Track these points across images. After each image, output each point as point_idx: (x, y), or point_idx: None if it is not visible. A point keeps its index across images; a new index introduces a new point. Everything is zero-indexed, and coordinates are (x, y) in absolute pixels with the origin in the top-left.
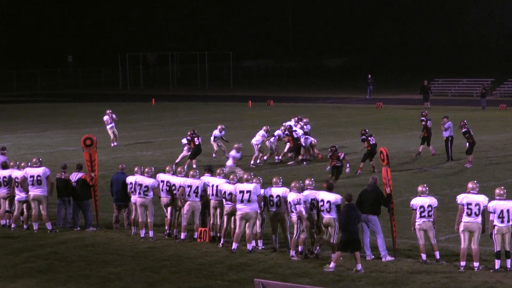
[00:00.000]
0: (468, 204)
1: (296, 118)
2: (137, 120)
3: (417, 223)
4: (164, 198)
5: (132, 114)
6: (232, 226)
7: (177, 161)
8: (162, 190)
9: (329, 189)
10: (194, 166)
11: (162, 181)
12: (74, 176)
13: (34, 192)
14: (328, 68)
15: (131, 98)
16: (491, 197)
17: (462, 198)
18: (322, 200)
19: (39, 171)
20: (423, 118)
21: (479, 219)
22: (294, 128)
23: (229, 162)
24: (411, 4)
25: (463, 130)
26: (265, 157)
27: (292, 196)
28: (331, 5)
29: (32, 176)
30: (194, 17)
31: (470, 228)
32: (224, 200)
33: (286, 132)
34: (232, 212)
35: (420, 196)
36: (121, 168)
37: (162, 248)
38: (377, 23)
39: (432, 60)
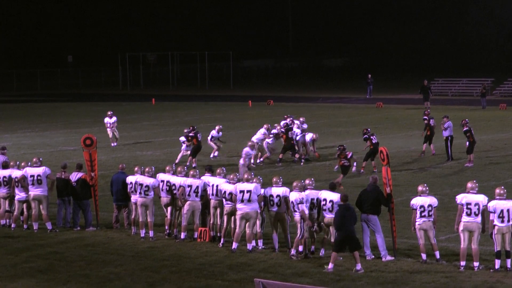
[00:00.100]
0: (468, 204)
1: (289, 120)
2: (137, 120)
3: (417, 223)
4: (164, 198)
5: (132, 114)
6: (232, 226)
7: (176, 161)
8: (162, 190)
9: (332, 188)
10: (194, 165)
11: (162, 181)
12: (74, 176)
13: (34, 192)
14: (328, 68)
15: (131, 98)
16: (491, 197)
17: (461, 198)
18: (325, 199)
19: (39, 170)
20: (425, 117)
21: (479, 218)
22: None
23: (241, 161)
24: (411, 4)
25: (465, 129)
26: (261, 158)
27: (294, 196)
28: (331, 5)
29: (32, 176)
30: (194, 17)
31: (470, 227)
32: (224, 200)
33: (282, 129)
34: (232, 212)
35: (420, 195)
36: (121, 168)
37: (162, 248)
38: (377, 23)
39: (432, 60)
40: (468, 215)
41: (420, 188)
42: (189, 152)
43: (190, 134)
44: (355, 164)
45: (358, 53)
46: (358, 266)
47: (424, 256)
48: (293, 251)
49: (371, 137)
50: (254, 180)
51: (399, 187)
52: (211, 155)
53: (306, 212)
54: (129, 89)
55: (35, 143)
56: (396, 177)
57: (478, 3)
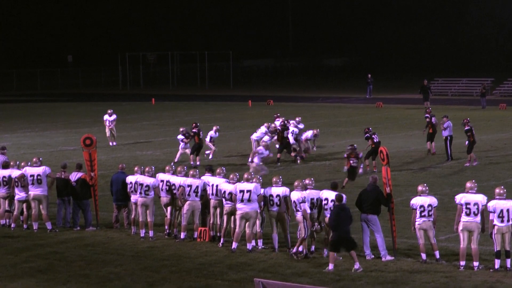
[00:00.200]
0: (467, 203)
1: (280, 120)
2: (137, 119)
3: (417, 223)
4: (164, 198)
5: (132, 113)
6: (232, 225)
7: (176, 159)
8: (162, 189)
9: (334, 187)
10: (198, 163)
11: (162, 181)
12: (74, 176)
13: (34, 191)
14: (328, 68)
15: (131, 97)
16: (491, 197)
17: (460, 198)
18: (326, 199)
19: (39, 170)
20: (427, 115)
21: (478, 218)
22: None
23: (256, 160)
24: (411, 4)
25: (466, 128)
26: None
27: (296, 195)
28: (331, 5)
29: (32, 176)
30: (194, 17)
31: (469, 227)
32: (224, 199)
33: (279, 128)
34: (232, 212)
35: (420, 195)
36: (121, 167)
37: (162, 247)
38: (377, 23)
39: (432, 60)
40: (468, 215)
41: (420, 188)
42: (187, 151)
43: (193, 130)
44: (361, 166)
45: (358, 53)
46: (357, 265)
47: (424, 256)
48: (294, 250)
49: (373, 136)
50: (254, 180)
51: (399, 187)
52: (210, 157)
53: (308, 211)
54: (129, 89)
55: (35, 143)
56: (396, 177)
57: (478, 3)
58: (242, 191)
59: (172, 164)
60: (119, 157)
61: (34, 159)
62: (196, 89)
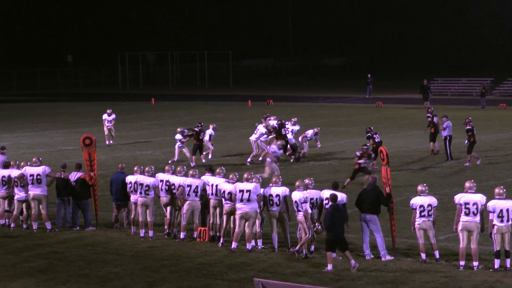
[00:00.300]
0: (466, 203)
1: (272, 118)
2: (136, 119)
3: (416, 223)
4: (164, 198)
5: (132, 113)
6: (232, 225)
7: (175, 158)
8: (162, 189)
9: (335, 187)
10: (204, 161)
11: (162, 181)
12: (74, 176)
13: (33, 191)
14: (328, 68)
15: (131, 97)
16: (491, 197)
17: (459, 198)
18: (327, 199)
19: (38, 170)
20: (429, 114)
21: (478, 218)
22: (287, 127)
23: (269, 159)
24: (411, 4)
25: (468, 127)
26: (249, 159)
27: (298, 195)
28: (331, 5)
29: (32, 175)
30: (194, 17)
31: (469, 227)
32: (223, 199)
33: (275, 126)
34: (232, 212)
35: (419, 195)
36: (120, 167)
37: (161, 247)
38: (377, 23)
39: (432, 60)
40: (467, 214)
41: (419, 187)
42: (184, 150)
43: (195, 129)
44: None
45: (358, 53)
46: (353, 262)
47: (423, 255)
48: (298, 247)
49: (374, 135)
50: (253, 180)
51: (399, 187)
52: (209, 156)
53: (309, 211)
54: (128, 89)
55: (35, 143)
56: (395, 177)
57: (478, 3)
58: (241, 191)
59: (169, 161)
60: (118, 157)
61: (34, 159)
62: (196, 89)
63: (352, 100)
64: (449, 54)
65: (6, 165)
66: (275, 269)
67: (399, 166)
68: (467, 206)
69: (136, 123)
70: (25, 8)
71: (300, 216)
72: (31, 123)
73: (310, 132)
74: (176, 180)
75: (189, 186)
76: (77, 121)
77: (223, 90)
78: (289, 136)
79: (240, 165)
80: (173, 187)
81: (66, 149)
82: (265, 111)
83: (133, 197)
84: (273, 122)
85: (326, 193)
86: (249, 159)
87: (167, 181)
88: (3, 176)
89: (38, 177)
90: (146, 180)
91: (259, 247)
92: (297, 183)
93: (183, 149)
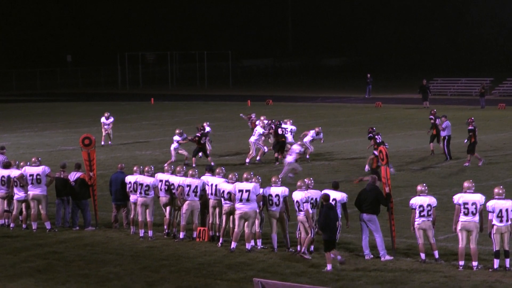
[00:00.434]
0: (465, 203)
1: (258, 118)
2: (136, 119)
3: (416, 223)
4: (163, 198)
5: (131, 113)
6: (231, 225)
7: (172, 159)
8: (161, 189)
9: (335, 187)
10: (210, 159)
11: (161, 181)
12: (73, 176)
13: (33, 191)
14: (327, 68)
15: (130, 97)
16: (490, 197)
17: (458, 198)
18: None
19: (38, 169)
20: (432, 116)
21: (477, 218)
22: (285, 127)
23: (290, 158)
24: (411, 4)
25: (470, 127)
26: (248, 159)
27: (300, 195)
28: (331, 5)
29: (31, 175)
30: (193, 17)
31: (468, 227)
32: (222, 199)
33: (272, 125)
34: (231, 211)
35: (419, 195)
36: (120, 167)
37: (161, 247)
38: (377, 23)
39: (432, 60)
40: (466, 214)
41: (419, 187)
42: (181, 151)
43: (197, 134)
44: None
45: (357, 53)
46: (329, 267)
47: (423, 255)
48: (304, 249)
49: (376, 136)
50: (253, 180)
51: (398, 187)
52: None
53: (310, 211)
54: (128, 89)
55: (34, 143)
56: (395, 177)
57: (478, 3)
58: (241, 191)
59: (169, 161)
60: (118, 157)
61: (33, 159)
62: (196, 89)
63: (352, 100)
64: (449, 54)
65: (7, 166)
66: (275, 269)
67: (398, 166)
68: (466, 206)
69: (136, 123)
70: (25, 8)
71: (301, 216)
72: (31, 123)
73: (311, 133)
74: (176, 180)
75: (189, 186)
76: (77, 121)
77: (222, 90)
78: (289, 136)
79: (240, 165)
80: (172, 187)
81: (66, 149)
82: (264, 111)
83: (132, 197)
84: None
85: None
86: (247, 160)
87: (166, 181)
88: (3, 176)
89: (38, 177)
90: (146, 180)
91: (259, 247)
92: (298, 183)
93: (179, 151)
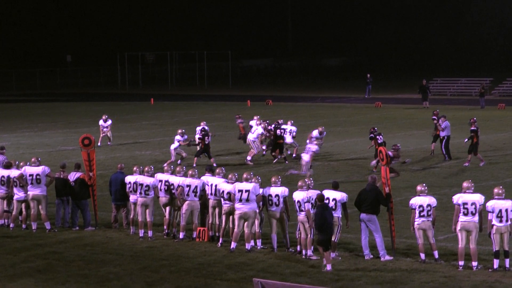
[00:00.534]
0: (464, 203)
1: (258, 121)
2: (136, 119)
3: (416, 223)
4: (163, 198)
5: (131, 113)
6: (231, 225)
7: (172, 159)
8: (161, 189)
9: (335, 187)
10: (214, 163)
11: (161, 181)
12: (73, 176)
13: (33, 191)
14: (327, 68)
15: (130, 97)
16: (490, 197)
17: (457, 198)
18: (328, 198)
19: (38, 170)
20: (434, 117)
21: (476, 218)
22: (285, 127)
23: (307, 158)
24: (411, 4)
25: (472, 128)
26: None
27: (301, 195)
28: (331, 5)
29: (31, 175)
30: (193, 17)
31: (467, 227)
32: (222, 199)
33: (271, 127)
34: (231, 212)
35: (419, 195)
36: (120, 167)
37: (161, 247)
38: (377, 22)
39: (431, 60)
40: (465, 214)
41: (419, 187)
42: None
43: (199, 136)
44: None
45: (357, 53)
46: (328, 266)
47: (422, 255)
48: (309, 252)
49: (377, 136)
50: (252, 180)
51: (398, 187)
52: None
53: (311, 211)
54: (128, 89)
55: (34, 143)
56: (395, 177)
57: (478, 3)
58: (240, 191)
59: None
60: (118, 157)
61: (33, 159)
62: (195, 89)
63: (352, 100)
64: (448, 54)
65: (8, 166)
66: (274, 269)
67: (398, 166)
68: (465, 206)
69: (136, 123)
70: (24, 8)
71: (301, 216)
72: (31, 123)
73: (315, 133)
74: (175, 180)
75: (188, 186)
76: (77, 121)
77: (222, 90)
78: (287, 136)
79: (240, 165)
80: (172, 187)
81: (66, 149)
82: (264, 111)
83: (132, 197)
84: (253, 122)
85: (327, 193)
86: (248, 158)
87: (166, 181)
88: (2, 176)
89: (38, 177)
90: (146, 180)
91: (258, 247)
92: (299, 183)
93: (179, 152)
